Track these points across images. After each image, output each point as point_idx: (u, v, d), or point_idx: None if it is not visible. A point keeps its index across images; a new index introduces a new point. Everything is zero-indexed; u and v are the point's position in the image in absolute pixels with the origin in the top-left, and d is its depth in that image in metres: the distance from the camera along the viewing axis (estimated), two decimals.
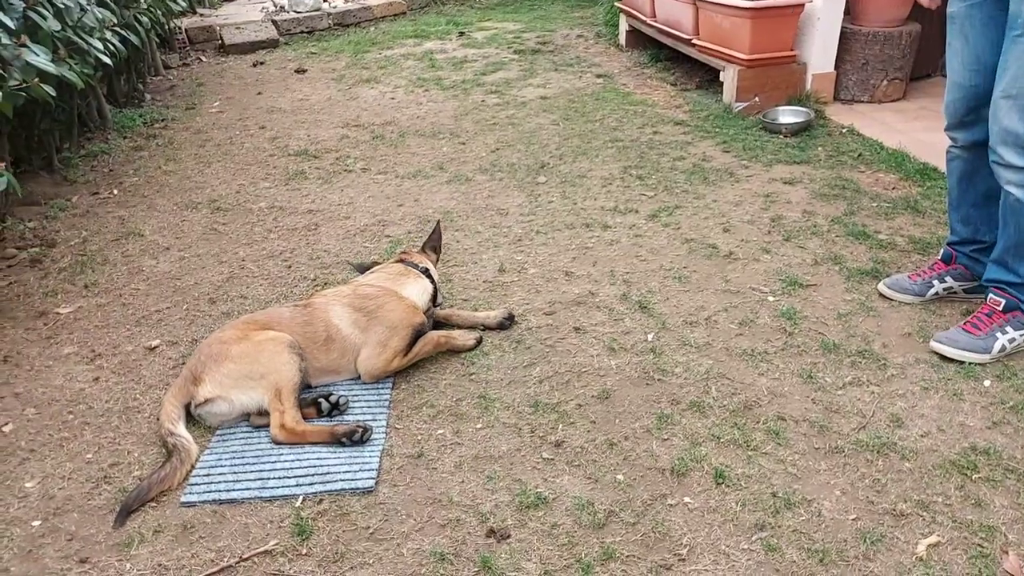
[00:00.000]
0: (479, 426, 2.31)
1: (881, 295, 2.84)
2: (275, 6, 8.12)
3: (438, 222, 3.09)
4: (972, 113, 2.43)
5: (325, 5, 8.13)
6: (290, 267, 3.33)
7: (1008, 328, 2.43)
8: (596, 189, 4.00)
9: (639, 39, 6.56)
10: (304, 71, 6.39)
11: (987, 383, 2.38)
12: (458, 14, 8.56)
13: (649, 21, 6.02)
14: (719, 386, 2.44)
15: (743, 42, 4.78)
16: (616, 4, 6.79)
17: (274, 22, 7.61)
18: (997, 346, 2.43)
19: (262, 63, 6.76)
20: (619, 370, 2.54)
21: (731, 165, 4.21)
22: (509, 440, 2.25)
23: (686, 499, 2.01)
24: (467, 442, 2.25)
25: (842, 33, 4.86)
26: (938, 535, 1.87)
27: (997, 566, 1.79)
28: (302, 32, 7.75)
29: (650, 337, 2.71)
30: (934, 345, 2.52)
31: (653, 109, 5.22)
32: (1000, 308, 2.45)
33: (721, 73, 5.09)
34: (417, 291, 2.67)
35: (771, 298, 2.93)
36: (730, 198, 3.81)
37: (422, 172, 4.28)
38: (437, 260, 2.99)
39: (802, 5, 4.71)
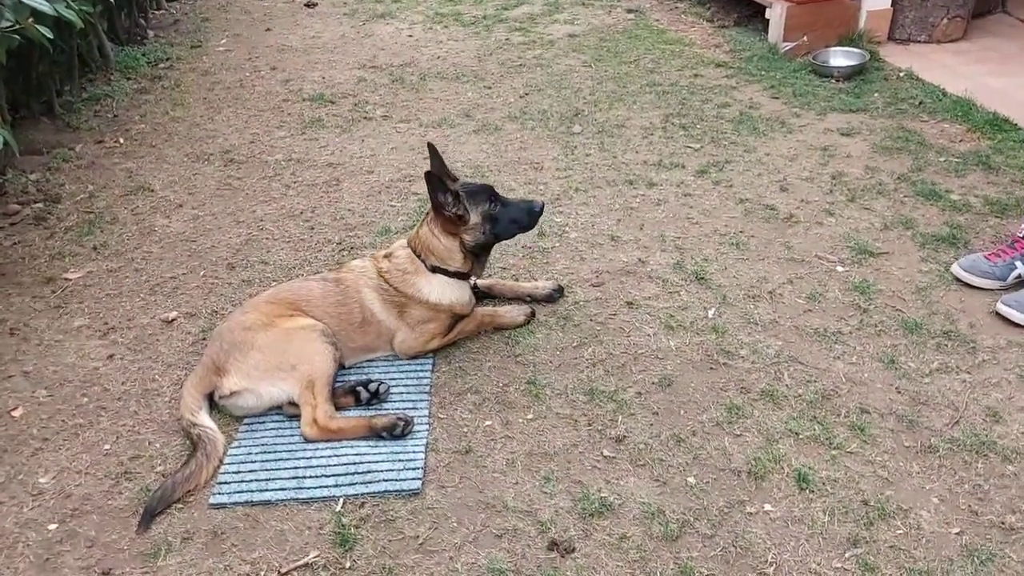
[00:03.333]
0: (530, 416, 2.12)
1: (957, 279, 2.56)
2: None
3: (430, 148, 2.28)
4: None
5: None
6: (312, 228, 3.09)
7: None
8: (636, 140, 3.70)
9: None
10: (314, 4, 5.98)
11: None
12: None
13: None
14: (792, 372, 2.22)
15: None
16: None
17: None
18: None
19: None
20: (679, 352, 2.32)
21: (781, 113, 3.89)
22: (564, 434, 2.05)
23: (767, 506, 1.82)
24: (518, 435, 2.06)
25: None
26: None
27: None
28: None
29: (711, 313, 2.48)
30: (1001, 308, 2.37)
31: (691, 49, 4.85)
32: None
33: (767, 10, 4.70)
34: (436, 291, 2.25)
35: (840, 268, 2.68)
36: (784, 151, 3.51)
37: (447, 120, 3.98)
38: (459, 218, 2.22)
39: None
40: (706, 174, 3.35)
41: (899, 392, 2.13)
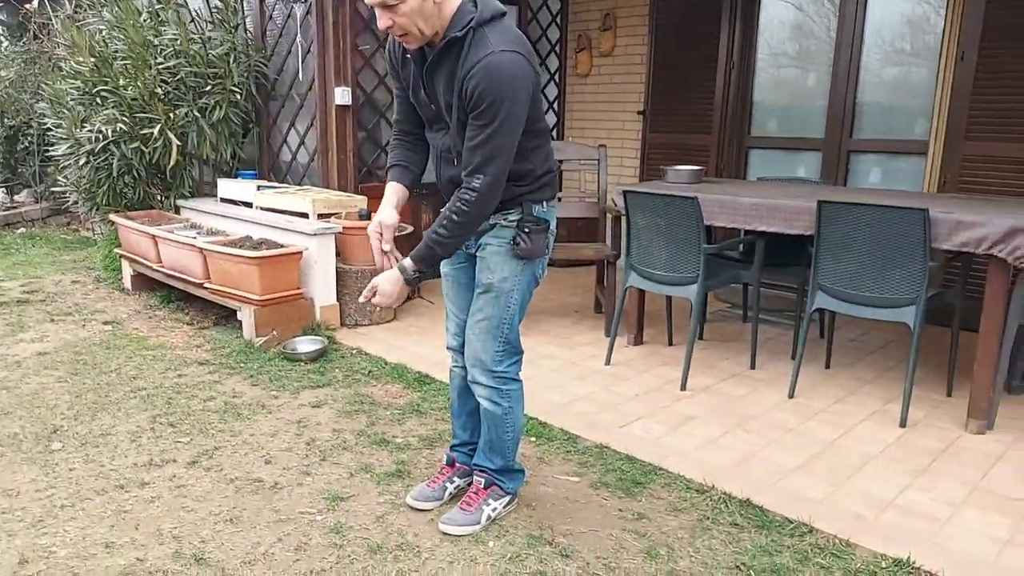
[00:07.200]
0: None
1: (411, 508, 3.30)
2: None
3: None
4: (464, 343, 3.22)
5: None
6: None
7: (490, 500, 3.20)
8: (125, 445, 3.85)
9: (147, 281, 6.61)
10: None
11: (491, 544, 3.06)
12: None
13: (155, 267, 6.17)
14: None
15: (254, 285, 5.31)
16: (116, 251, 6.76)
17: None
18: (484, 517, 3.15)
19: None
20: None
21: (261, 397, 4.53)
22: None
23: None
24: None
25: (338, 271, 5.79)
26: None
27: None
28: None
29: None
30: (441, 527, 3.14)
31: (173, 352, 5.29)
32: (482, 486, 3.21)
33: (238, 312, 5.49)
34: None
35: (319, 517, 3.24)
36: (266, 430, 4.09)
37: None
38: None
39: (300, 253, 5.51)
40: (197, 463, 3.68)
41: None
